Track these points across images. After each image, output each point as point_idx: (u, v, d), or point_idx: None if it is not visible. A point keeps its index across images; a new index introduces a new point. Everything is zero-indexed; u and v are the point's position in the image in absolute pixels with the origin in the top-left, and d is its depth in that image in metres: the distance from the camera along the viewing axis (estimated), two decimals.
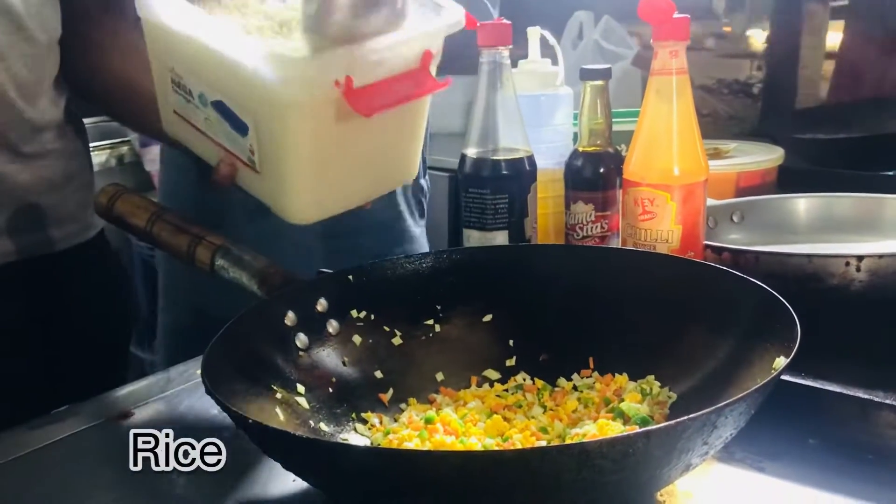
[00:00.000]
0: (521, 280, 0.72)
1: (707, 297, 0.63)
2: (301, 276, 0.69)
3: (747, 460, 0.61)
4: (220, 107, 0.66)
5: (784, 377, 0.66)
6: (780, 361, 0.51)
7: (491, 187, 0.83)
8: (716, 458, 0.61)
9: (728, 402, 0.42)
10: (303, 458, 0.46)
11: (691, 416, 0.41)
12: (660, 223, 0.79)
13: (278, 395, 0.59)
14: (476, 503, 0.42)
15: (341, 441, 0.59)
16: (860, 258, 0.77)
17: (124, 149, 2.10)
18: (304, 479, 0.51)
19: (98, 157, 2.05)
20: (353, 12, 0.58)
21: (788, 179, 1.23)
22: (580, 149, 0.89)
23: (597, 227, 0.88)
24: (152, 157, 2.02)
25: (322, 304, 0.67)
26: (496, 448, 0.48)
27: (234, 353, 0.58)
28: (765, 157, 1.24)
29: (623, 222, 0.84)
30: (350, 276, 0.70)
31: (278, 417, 0.58)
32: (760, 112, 1.62)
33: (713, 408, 0.42)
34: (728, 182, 1.20)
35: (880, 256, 0.77)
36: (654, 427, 0.41)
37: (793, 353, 0.49)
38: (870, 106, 1.45)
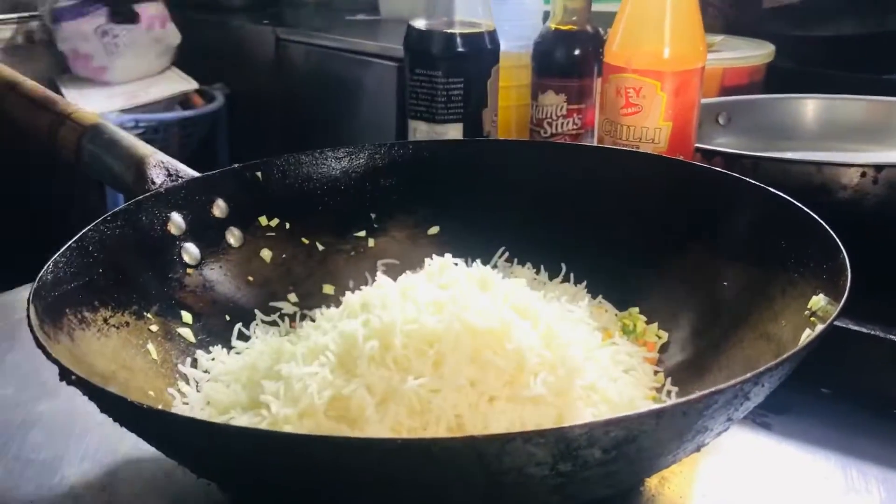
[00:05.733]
0: (477, 184, 0.58)
1: (713, 212, 0.50)
2: (195, 172, 0.53)
3: (750, 415, 0.49)
4: None
5: None
6: (820, 301, 0.38)
7: (443, 68, 0.68)
8: None
9: (771, 365, 0.29)
10: (148, 431, 0.33)
11: (719, 387, 0.28)
12: (646, 119, 0.66)
13: (153, 327, 0.45)
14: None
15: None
16: (879, 168, 0.65)
17: (34, 24, 1.86)
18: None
19: (2, 33, 1.81)
20: None
21: (779, 80, 1.10)
22: (552, 26, 0.74)
23: (569, 122, 0.74)
24: (66, 35, 1.79)
25: (220, 208, 0.53)
26: (420, 437, 0.34)
27: (89, 268, 0.43)
28: (754, 52, 1.10)
29: (601, 117, 0.70)
30: (259, 173, 0.55)
31: (150, 355, 0.44)
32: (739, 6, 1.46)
33: (750, 375, 0.29)
34: (712, 79, 1.06)
35: None
36: (666, 405, 0.27)
37: (846, 293, 0.36)
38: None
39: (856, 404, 0.50)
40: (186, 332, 0.47)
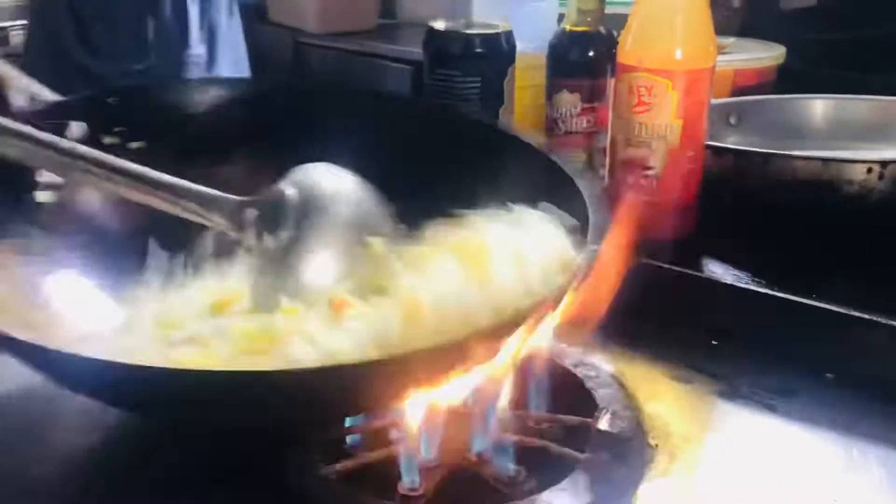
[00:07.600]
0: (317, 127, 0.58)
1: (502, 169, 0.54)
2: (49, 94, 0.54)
3: (755, 397, 0.51)
4: None
5: (798, 298, 0.56)
6: None
7: (461, 68, 0.70)
8: (718, 395, 0.52)
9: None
10: None
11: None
12: (658, 116, 0.67)
13: (14, 255, 0.48)
14: None
15: None
16: (884, 164, 0.68)
17: None
18: None
19: (15, 39, 1.82)
20: None
21: (789, 82, 1.11)
22: (567, 28, 0.76)
23: (582, 120, 0.76)
24: None
25: (74, 132, 0.53)
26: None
27: None
28: (765, 54, 1.12)
29: (613, 115, 0.72)
30: (111, 99, 0.56)
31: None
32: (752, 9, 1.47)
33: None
34: (724, 80, 1.08)
35: None
36: (329, 365, 0.34)
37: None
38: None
39: (858, 389, 0.51)
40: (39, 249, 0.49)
